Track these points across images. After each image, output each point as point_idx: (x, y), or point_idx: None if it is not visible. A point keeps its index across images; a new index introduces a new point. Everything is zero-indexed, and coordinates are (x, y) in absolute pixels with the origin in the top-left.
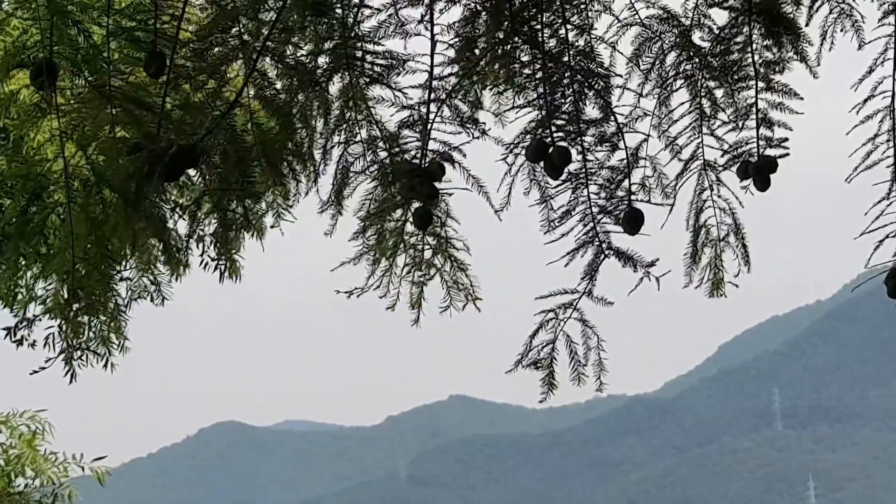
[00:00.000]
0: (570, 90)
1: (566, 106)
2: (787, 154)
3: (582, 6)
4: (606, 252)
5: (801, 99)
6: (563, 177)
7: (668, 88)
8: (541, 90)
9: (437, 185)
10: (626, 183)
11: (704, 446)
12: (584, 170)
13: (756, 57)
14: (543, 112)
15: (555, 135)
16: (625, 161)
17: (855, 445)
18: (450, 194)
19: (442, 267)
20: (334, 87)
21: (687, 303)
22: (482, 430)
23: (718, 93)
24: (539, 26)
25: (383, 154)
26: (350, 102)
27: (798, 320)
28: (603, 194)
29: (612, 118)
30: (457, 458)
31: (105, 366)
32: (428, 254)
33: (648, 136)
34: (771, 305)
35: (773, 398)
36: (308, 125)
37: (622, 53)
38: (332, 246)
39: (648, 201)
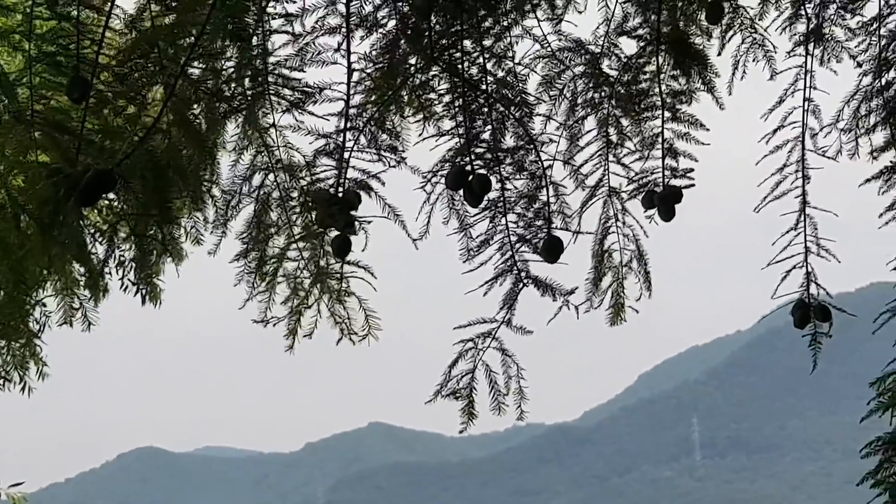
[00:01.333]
0: (490, 118)
1: (485, 134)
2: (692, 185)
3: (501, 34)
4: (525, 281)
5: (707, 130)
6: (483, 205)
7: (576, 116)
8: (460, 118)
9: (354, 213)
10: (544, 211)
11: (624, 475)
12: (502, 198)
13: (663, 87)
14: (462, 140)
15: (474, 163)
16: (541, 188)
17: (773, 476)
18: (368, 222)
19: (319, 298)
20: (252, 114)
21: (607, 332)
22: (401, 458)
23: (625, 122)
24: (458, 54)
25: (301, 182)
26: (268, 129)
27: (718, 350)
28: (521, 223)
29: (532, 147)
30: (376, 485)
31: (22, 390)
32: (328, 283)
33: (554, 160)
34: (691, 335)
35: (692, 428)
36: (225, 151)
37: (539, 81)
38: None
39: (567, 229)
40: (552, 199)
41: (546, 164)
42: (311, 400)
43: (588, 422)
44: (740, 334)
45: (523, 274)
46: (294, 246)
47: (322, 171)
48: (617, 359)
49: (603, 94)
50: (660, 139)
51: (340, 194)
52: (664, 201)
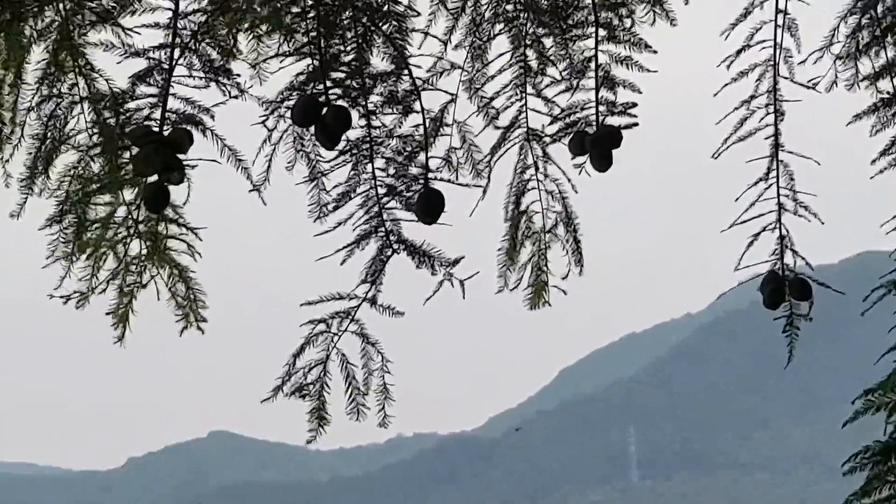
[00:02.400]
0: (353, 34)
1: (347, 55)
2: (635, 124)
3: None
4: (395, 246)
5: (653, 52)
6: (341, 146)
7: (485, 35)
8: (314, 34)
9: (180, 156)
10: (422, 157)
11: (539, 500)
12: (368, 138)
13: None
14: (316, 61)
15: (331, 92)
16: (421, 128)
17: (732, 501)
18: (192, 166)
19: (157, 272)
20: (44, 25)
21: (516, 316)
22: (253, 475)
23: (548, 42)
24: None
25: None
26: (64, 46)
27: (661, 338)
28: (392, 171)
29: (408, 72)
30: None
31: None
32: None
33: (456, 96)
34: (626, 320)
35: (627, 439)
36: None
37: None
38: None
39: (453, 181)
40: (453, 145)
41: (439, 98)
42: (135, 402)
43: (493, 431)
44: (690, 318)
45: (393, 237)
46: (123, 205)
47: (141, 104)
48: (531, 350)
49: (519, 6)
50: (592, 64)
51: (162, 131)
52: (598, 145)
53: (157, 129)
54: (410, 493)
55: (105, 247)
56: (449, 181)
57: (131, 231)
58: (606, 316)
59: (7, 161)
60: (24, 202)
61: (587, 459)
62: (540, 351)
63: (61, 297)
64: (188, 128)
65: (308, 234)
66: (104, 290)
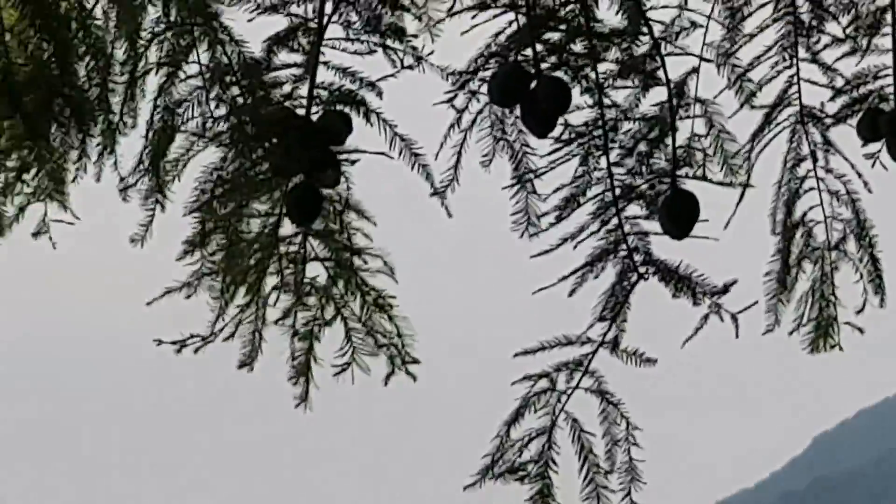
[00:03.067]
0: None
1: (563, 8)
2: None
3: None
4: (642, 270)
5: None
6: (557, 133)
7: None
8: None
9: (334, 148)
10: (667, 147)
11: None
12: (599, 121)
13: None
14: (523, 18)
15: (543, 59)
16: (666, 107)
17: None
18: (352, 162)
19: (345, 303)
20: None
21: (753, 361)
22: None
23: None
24: None
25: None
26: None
27: None
28: (631, 165)
29: (647, 29)
30: None
31: None
32: (321, 277)
33: (700, 63)
34: None
35: None
36: (97, 45)
37: None
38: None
39: (710, 180)
40: (699, 137)
41: (683, 64)
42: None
43: None
44: None
45: (639, 257)
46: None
47: (281, 77)
48: (776, 412)
49: None
50: (888, 16)
51: (312, 116)
52: None
53: (302, 112)
54: None
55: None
56: (704, 179)
57: (296, 279)
58: (881, 362)
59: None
60: (150, 222)
61: None
62: (786, 410)
63: (174, 342)
64: (345, 110)
65: (515, 254)
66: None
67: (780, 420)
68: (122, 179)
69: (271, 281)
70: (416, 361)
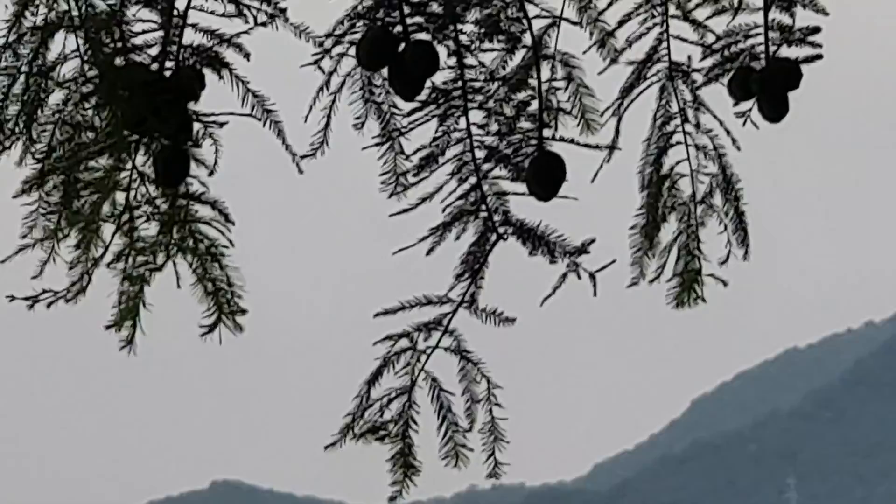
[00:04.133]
0: None
1: None
2: (819, 56)
3: None
4: (501, 230)
5: None
6: (424, 95)
7: None
8: None
9: (191, 108)
10: (533, 107)
11: None
12: (460, 82)
13: None
14: None
15: (409, 21)
16: (531, 67)
17: None
18: (220, 124)
19: (178, 248)
20: None
21: (635, 323)
22: None
23: None
24: None
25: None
26: None
27: (832, 357)
28: (494, 127)
29: None
30: None
31: None
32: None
33: (560, 19)
34: (786, 332)
35: (785, 495)
36: None
37: None
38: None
39: (578, 142)
40: (553, 84)
41: (544, 20)
42: (108, 443)
43: (602, 484)
44: (873, 329)
45: (498, 217)
46: (124, 170)
47: (139, 32)
48: (654, 371)
49: None
50: None
51: (169, 73)
52: (769, 86)
53: (157, 70)
54: None
55: (93, 238)
56: (573, 142)
57: (141, 209)
58: (758, 326)
59: None
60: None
61: None
62: (665, 372)
63: (26, 298)
64: (198, 67)
65: (380, 214)
66: (93, 267)
67: (659, 382)
68: None
69: (106, 227)
70: (243, 311)
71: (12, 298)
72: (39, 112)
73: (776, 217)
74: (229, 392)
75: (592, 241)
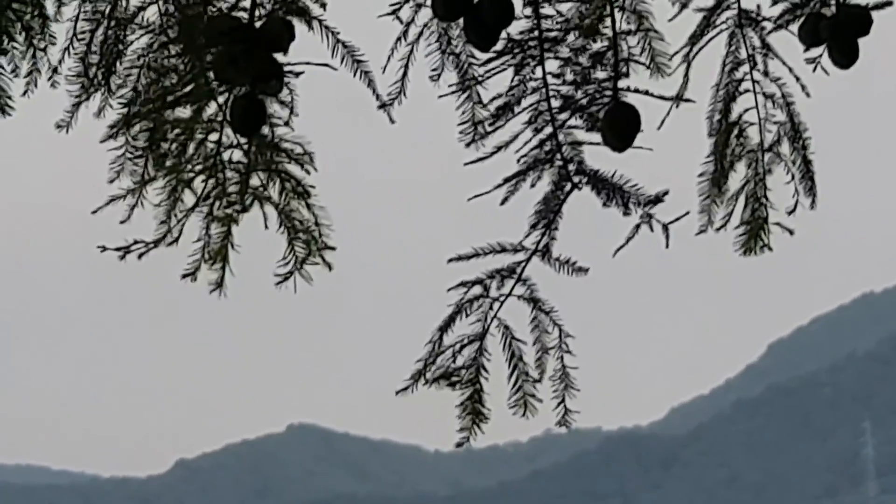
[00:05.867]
0: None
1: None
2: (890, 3)
3: None
4: (576, 179)
5: None
6: (500, 46)
7: None
8: None
9: (277, 57)
10: (609, 55)
11: None
12: (537, 32)
13: None
14: None
15: None
16: (604, 16)
17: None
18: (296, 74)
19: (264, 189)
20: None
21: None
22: (347, 486)
23: None
24: None
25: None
26: None
27: None
28: (570, 76)
29: None
30: None
31: None
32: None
33: None
34: (863, 276)
35: (861, 439)
36: None
37: None
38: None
39: (652, 94)
40: (626, 35)
41: None
42: (186, 384)
43: (678, 428)
44: None
45: (574, 166)
46: (202, 124)
47: None
48: (729, 317)
49: None
50: None
51: (255, 23)
52: (839, 33)
53: (245, 20)
54: None
55: (181, 181)
56: (647, 93)
57: (212, 163)
58: (834, 269)
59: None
60: (77, 108)
61: (806, 467)
62: (742, 316)
63: (117, 249)
64: (289, 18)
65: (456, 163)
66: (183, 222)
67: (735, 327)
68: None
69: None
70: (331, 248)
71: (104, 249)
72: (118, 64)
73: (852, 163)
74: (306, 336)
75: (666, 192)
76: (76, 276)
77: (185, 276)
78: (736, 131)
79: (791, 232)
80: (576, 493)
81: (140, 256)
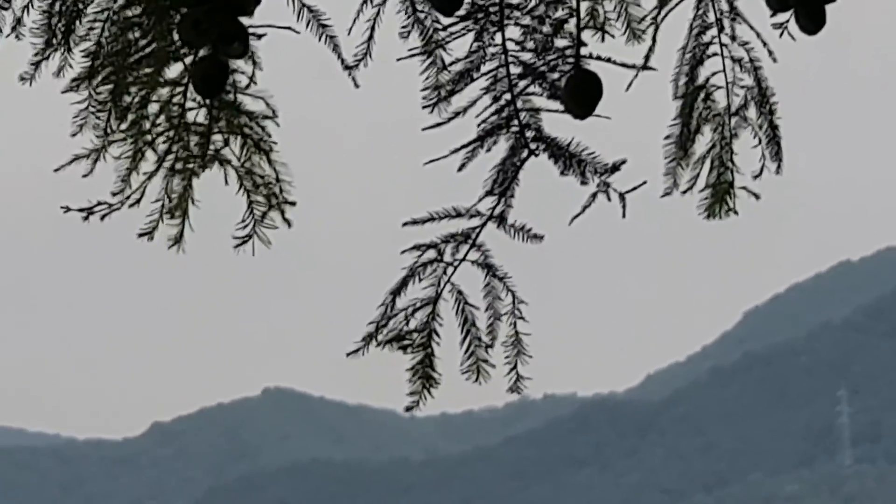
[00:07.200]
0: None
1: None
2: None
3: None
4: (532, 145)
5: None
6: (463, 11)
7: None
8: None
9: (241, 20)
10: (571, 25)
11: (716, 490)
12: None
13: None
14: None
15: None
16: None
17: None
18: (259, 36)
19: (225, 146)
20: None
21: (685, 234)
22: (321, 451)
23: None
24: None
25: None
26: None
27: (887, 268)
28: (531, 44)
29: None
30: (278, 498)
31: None
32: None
33: None
34: (840, 244)
35: (837, 407)
36: None
37: None
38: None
39: (615, 61)
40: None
41: None
42: (160, 347)
43: (653, 394)
44: None
45: (531, 133)
46: (164, 85)
47: None
48: (705, 283)
49: None
50: None
51: None
52: None
53: None
54: (538, 476)
55: (144, 142)
56: (610, 60)
57: (176, 123)
58: (811, 237)
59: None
60: (39, 64)
61: (782, 435)
62: (718, 284)
63: (81, 209)
64: None
65: (415, 127)
66: (146, 184)
67: (711, 294)
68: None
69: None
70: (291, 203)
71: (67, 210)
72: (77, 23)
73: (830, 131)
74: (280, 299)
75: (624, 161)
76: (45, 235)
77: (141, 234)
78: (703, 95)
79: (757, 196)
80: (551, 458)
81: (103, 217)
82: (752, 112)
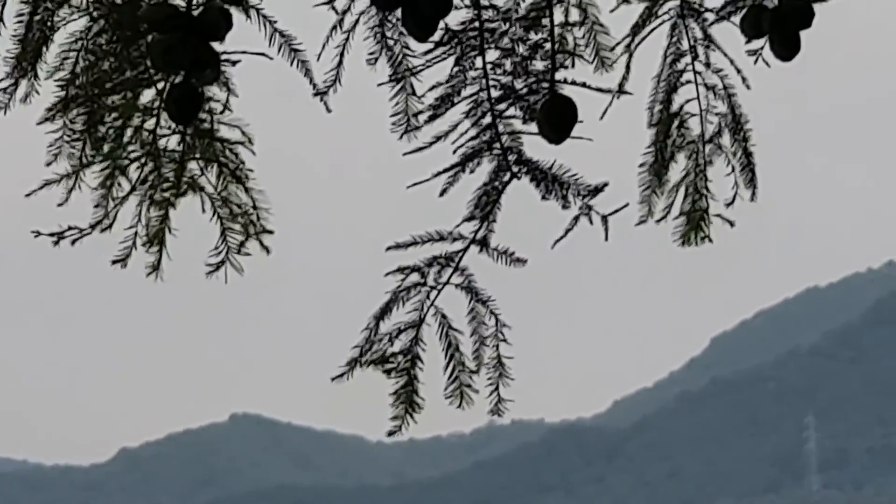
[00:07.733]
0: None
1: None
2: None
3: None
4: (515, 169)
5: None
6: (437, 36)
7: None
8: None
9: (214, 45)
10: (547, 46)
11: None
12: (477, 23)
13: None
14: None
15: None
16: (545, 7)
17: None
18: (233, 63)
19: (202, 174)
20: None
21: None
22: (289, 476)
23: None
24: None
25: None
26: None
27: (853, 295)
28: (509, 66)
29: None
30: None
31: None
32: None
33: None
34: (807, 271)
35: (805, 433)
36: None
37: None
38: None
39: (589, 86)
40: (570, 27)
41: None
42: (128, 374)
43: (621, 420)
44: (893, 268)
45: (512, 156)
46: (138, 112)
47: None
48: (673, 310)
49: None
50: None
51: (192, 11)
52: (781, 25)
53: (182, 8)
54: (505, 502)
55: (118, 168)
56: (585, 85)
57: (149, 150)
58: (779, 263)
59: None
60: (12, 91)
61: (749, 461)
62: (686, 310)
63: (52, 234)
64: (226, 7)
65: (393, 153)
66: (118, 208)
67: (679, 320)
68: None
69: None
70: (269, 232)
71: (38, 234)
72: (44, 50)
73: (796, 156)
74: (249, 326)
75: (606, 184)
76: (14, 260)
77: (115, 261)
78: (677, 122)
79: (732, 224)
80: (519, 484)
81: (73, 242)
82: (726, 139)
